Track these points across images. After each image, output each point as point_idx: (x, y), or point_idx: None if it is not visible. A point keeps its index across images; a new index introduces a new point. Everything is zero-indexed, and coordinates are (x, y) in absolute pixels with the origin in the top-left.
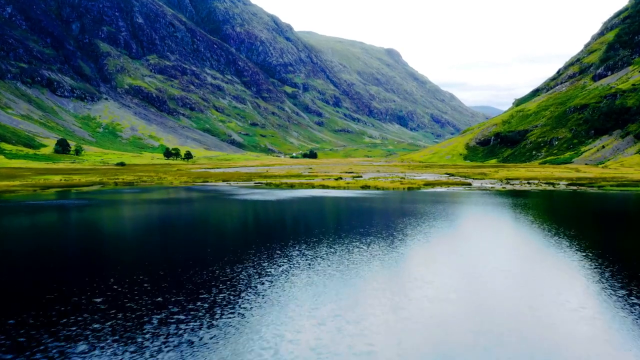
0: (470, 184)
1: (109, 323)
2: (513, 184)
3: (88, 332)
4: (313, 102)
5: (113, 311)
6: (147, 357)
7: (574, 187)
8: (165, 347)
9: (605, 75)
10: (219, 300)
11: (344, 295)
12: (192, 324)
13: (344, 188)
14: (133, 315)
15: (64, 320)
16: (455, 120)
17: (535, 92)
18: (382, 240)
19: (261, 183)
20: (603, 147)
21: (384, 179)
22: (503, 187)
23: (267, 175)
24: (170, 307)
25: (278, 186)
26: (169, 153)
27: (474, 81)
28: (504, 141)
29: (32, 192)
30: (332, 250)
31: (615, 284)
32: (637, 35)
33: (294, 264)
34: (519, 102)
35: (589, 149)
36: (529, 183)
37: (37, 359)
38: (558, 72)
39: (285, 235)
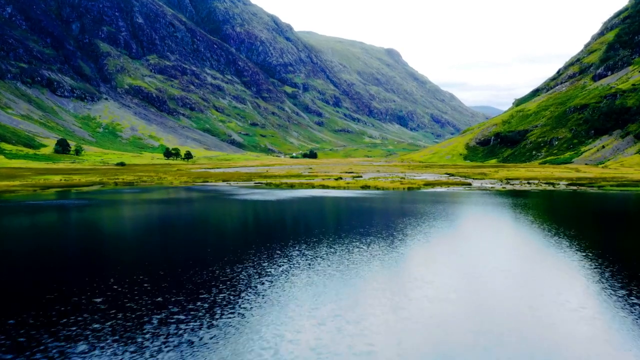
0: (470, 184)
1: (109, 323)
2: (513, 184)
3: (88, 332)
4: (313, 102)
5: (113, 311)
6: (147, 357)
7: (574, 187)
8: (165, 347)
9: (605, 75)
10: (219, 300)
11: (344, 295)
12: (192, 323)
13: (344, 188)
14: (133, 315)
15: (64, 320)
16: (455, 120)
17: (535, 92)
18: (382, 240)
19: (261, 183)
20: (603, 147)
21: (384, 179)
22: (503, 187)
23: (267, 175)
24: (170, 307)
25: (278, 186)
26: (169, 153)
27: (474, 81)
28: (504, 141)
29: (32, 192)
30: (332, 250)
31: (615, 284)
32: (637, 35)
33: (294, 264)
34: (519, 102)
35: (589, 149)
36: (529, 183)
37: (37, 359)
38: (558, 72)
39: (285, 235)
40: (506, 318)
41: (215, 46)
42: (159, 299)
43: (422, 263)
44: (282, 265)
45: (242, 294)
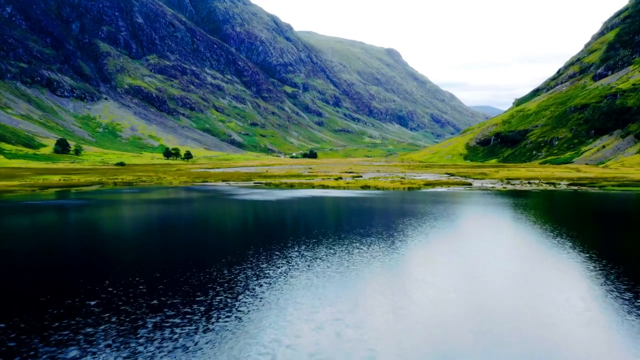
0: (470, 184)
1: (102, 327)
2: (514, 184)
3: (80, 337)
4: (313, 102)
5: (107, 314)
6: None
7: (575, 187)
8: (159, 352)
9: (606, 75)
10: (216, 303)
11: (343, 297)
12: (187, 328)
13: (344, 188)
14: (127, 319)
15: (56, 323)
16: (455, 120)
17: (536, 92)
18: (383, 241)
19: (261, 183)
20: (603, 147)
21: (384, 178)
22: (504, 187)
23: (267, 175)
24: (165, 310)
25: (278, 186)
26: (168, 153)
27: (474, 81)
28: (504, 141)
29: (30, 192)
30: (332, 251)
31: (616, 284)
32: (637, 34)
33: (293, 266)
34: (519, 102)
35: (590, 149)
36: (529, 183)
37: None
38: (558, 71)
39: (284, 236)
40: (506, 318)
41: (215, 46)
42: (155, 301)
43: (422, 264)
44: (281, 266)
45: (240, 297)
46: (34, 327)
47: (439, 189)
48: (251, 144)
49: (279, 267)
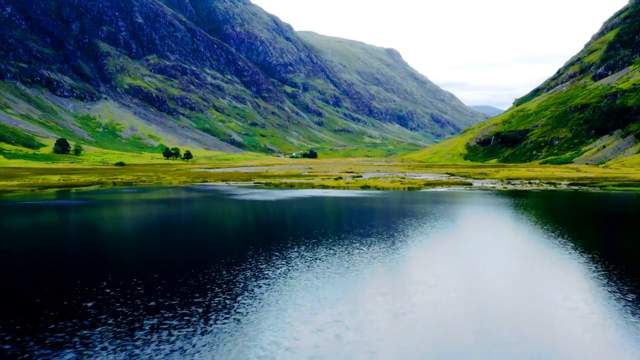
0: (471, 184)
1: (98, 329)
2: (514, 184)
3: (76, 339)
4: (313, 102)
5: (104, 316)
6: None
7: (576, 187)
8: (157, 355)
9: (606, 75)
10: (214, 304)
11: (343, 299)
12: (185, 330)
13: (344, 188)
14: (124, 321)
15: (52, 325)
16: (455, 120)
17: (536, 92)
18: (383, 241)
19: (260, 183)
20: (604, 146)
21: (384, 178)
22: (504, 187)
23: (267, 175)
24: (163, 311)
25: (277, 186)
26: (168, 153)
27: (474, 81)
28: (504, 141)
29: (29, 192)
30: (332, 251)
31: (616, 284)
32: (637, 34)
33: (292, 266)
34: (519, 101)
35: (590, 149)
36: (530, 183)
37: None
38: (558, 71)
39: (283, 237)
40: (506, 318)
41: (215, 46)
42: (152, 303)
43: (423, 264)
44: (280, 267)
45: (239, 298)
46: (30, 329)
47: (439, 189)
48: (251, 144)
49: (278, 268)
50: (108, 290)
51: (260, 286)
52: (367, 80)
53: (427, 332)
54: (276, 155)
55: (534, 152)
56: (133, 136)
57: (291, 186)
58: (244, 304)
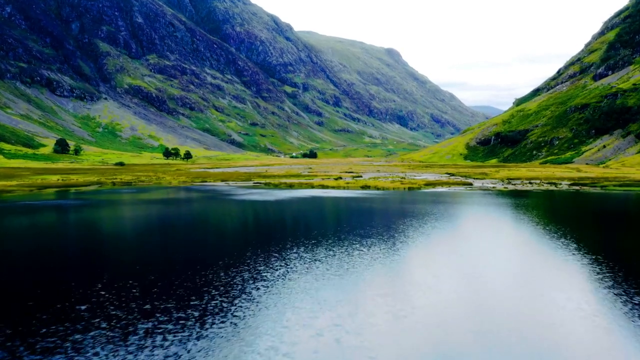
0: (471, 184)
1: (91, 333)
2: (514, 184)
3: (68, 344)
4: (313, 102)
5: (97, 320)
6: None
7: (577, 187)
8: None
9: (606, 75)
10: (211, 307)
11: (343, 301)
12: (180, 334)
13: (344, 188)
14: (118, 325)
15: (44, 330)
16: (455, 120)
17: (536, 92)
18: (383, 242)
19: (260, 183)
20: (604, 146)
21: (384, 178)
22: (505, 187)
23: (266, 175)
24: (158, 315)
25: (277, 186)
26: (168, 153)
27: (474, 81)
28: (504, 141)
29: (28, 192)
30: (331, 252)
31: (617, 284)
32: (637, 34)
33: (291, 268)
34: (519, 101)
35: (590, 149)
36: (530, 183)
37: None
38: (558, 71)
39: (283, 237)
40: (506, 318)
41: (215, 46)
42: (147, 306)
43: (423, 264)
44: (279, 269)
45: (236, 301)
46: (21, 332)
47: (439, 189)
48: (251, 144)
49: (277, 270)
50: (103, 293)
51: (259, 288)
52: (367, 80)
53: (428, 334)
54: (276, 155)
55: (534, 152)
56: (133, 136)
57: (291, 186)
58: (241, 307)
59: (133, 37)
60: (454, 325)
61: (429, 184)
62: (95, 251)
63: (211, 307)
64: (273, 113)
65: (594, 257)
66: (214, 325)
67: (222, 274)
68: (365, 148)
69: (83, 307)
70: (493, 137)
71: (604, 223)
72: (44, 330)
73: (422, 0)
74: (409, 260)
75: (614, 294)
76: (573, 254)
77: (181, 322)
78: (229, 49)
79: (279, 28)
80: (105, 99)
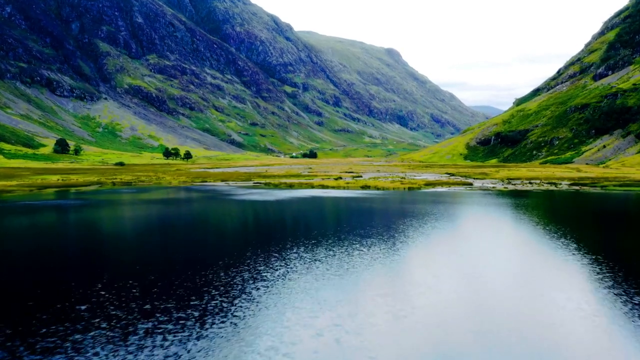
0: (471, 184)
1: (91, 334)
2: (515, 184)
3: (68, 344)
4: (313, 102)
5: (97, 320)
6: None
7: (577, 187)
8: None
9: (606, 75)
10: (211, 307)
11: (343, 301)
12: (180, 334)
13: (344, 188)
14: (118, 325)
15: (44, 330)
16: (455, 120)
17: (536, 92)
18: (383, 242)
19: (260, 183)
20: (604, 146)
21: (384, 178)
22: (505, 187)
23: (266, 175)
24: (158, 315)
25: (277, 186)
26: (168, 153)
27: (474, 81)
28: (504, 141)
29: (28, 192)
30: (331, 253)
31: (617, 284)
32: (637, 34)
33: (291, 268)
34: (519, 101)
35: (590, 149)
36: (530, 183)
37: None
38: (558, 71)
39: (283, 237)
40: (506, 318)
41: (215, 46)
42: (147, 306)
43: (423, 264)
44: (279, 269)
45: (236, 301)
46: (21, 332)
47: (439, 189)
48: (251, 144)
49: (277, 270)
50: (103, 293)
51: (259, 288)
52: (367, 80)
53: (428, 334)
54: (276, 155)
55: (534, 152)
56: (133, 136)
57: (291, 186)
58: (241, 307)
59: (133, 37)
60: (454, 325)
61: (429, 184)
62: (95, 251)
63: (211, 307)
64: (273, 113)
65: (594, 257)
66: (214, 325)
67: (222, 274)
68: (365, 148)
69: (83, 307)
70: (493, 137)
71: (604, 223)
72: (44, 330)
73: (422, 0)
74: (409, 260)
75: (614, 294)
76: (573, 254)
77: (181, 322)
78: (229, 49)
79: (279, 28)
80: (105, 99)
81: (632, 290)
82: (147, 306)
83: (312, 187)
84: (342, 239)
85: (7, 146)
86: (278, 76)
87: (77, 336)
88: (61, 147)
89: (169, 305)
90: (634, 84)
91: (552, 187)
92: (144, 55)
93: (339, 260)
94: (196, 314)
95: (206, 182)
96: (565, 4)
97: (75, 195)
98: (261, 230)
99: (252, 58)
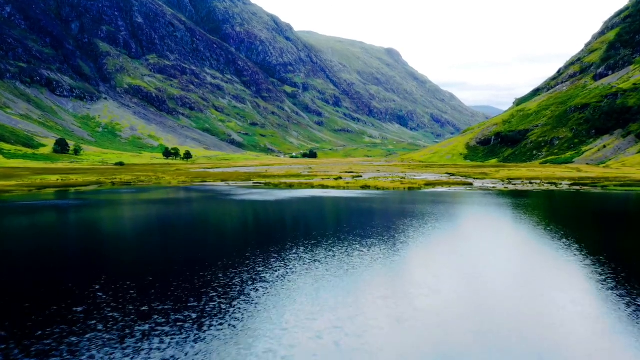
0: (471, 184)
1: (87, 336)
2: (515, 184)
3: (63, 347)
4: (313, 102)
5: (93, 322)
6: None
7: (577, 187)
8: None
9: (606, 75)
10: (209, 309)
11: (343, 303)
12: (177, 337)
13: (344, 188)
14: (114, 327)
15: (39, 332)
16: (455, 120)
17: (536, 92)
18: (383, 242)
19: (260, 183)
20: (604, 146)
21: (384, 178)
22: (505, 187)
23: (266, 175)
24: (155, 317)
25: (277, 186)
26: (168, 153)
27: (474, 81)
28: (504, 141)
29: (27, 192)
30: (331, 253)
31: (617, 285)
32: (638, 34)
33: (290, 269)
34: (519, 101)
35: (590, 149)
36: (531, 183)
37: None
38: (559, 71)
39: (282, 238)
40: (506, 318)
41: (215, 46)
42: (145, 307)
43: (423, 265)
44: (278, 270)
45: (234, 303)
46: (16, 335)
47: (439, 189)
48: (251, 144)
49: (276, 271)
50: (100, 294)
51: (257, 290)
52: (367, 80)
53: (428, 334)
54: (276, 155)
55: (535, 152)
56: (133, 136)
57: (291, 186)
58: (239, 308)
59: (133, 37)
60: (454, 325)
61: (429, 184)
62: (93, 251)
63: (209, 309)
64: (273, 113)
65: (594, 257)
66: (212, 328)
67: (220, 275)
68: (365, 148)
69: (80, 309)
70: (493, 137)
71: (604, 223)
72: (40, 332)
73: (422, 0)
74: (410, 260)
75: (615, 294)
76: (573, 254)
77: (179, 323)
78: (229, 49)
79: (279, 28)
80: (105, 99)
81: (633, 291)
82: (145, 308)
83: (312, 187)
84: (342, 239)
85: (6, 146)
86: (278, 76)
87: (73, 339)
88: (61, 147)
89: (167, 307)
90: (634, 84)
91: (553, 187)
92: (143, 55)
93: (339, 261)
94: (194, 315)
95: (206, 182)
96: (565, 4)
97: (75, 195)
98: (261, 230)
99: (252, 58)
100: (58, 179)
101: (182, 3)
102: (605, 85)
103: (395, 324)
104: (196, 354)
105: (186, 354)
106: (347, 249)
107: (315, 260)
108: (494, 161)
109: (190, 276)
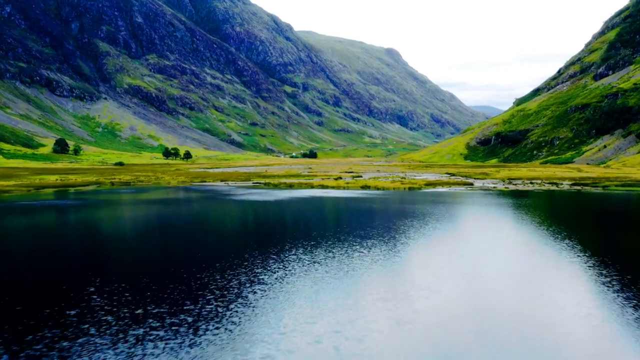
0: (472, 184)
1: (79, 341)
2: (515, 184)
3: (54, 352)
4: (313, 102)
5: (86, 326)
6: None
7: (578, 187)
8: None
9: (607, 75)
10: (205, 313)
11: (343, 306)
12: (172, 341)
13: (344, 188)
14: (108, 331)
15: (30, 337)
16: (455, 120)
17: (536, 92)
18: (384, 243)
19: (260, 183)
20: (605, 146)
21: (384, 178)
22: (505, 187)
23: (266, 175)
24: (150, 321)
25: (277, 186)
26: (168, 153)
27: (474, 81)
28: (504, 141)
29: (26, 192)
30: (331, 254)
31: (617, 285)
32: (638, 34)
33: (289, 271)
34: (519, 101)
35: (591, 149)
36: (531, 183)
37: None
38: (559, 71)
39: (281, 238)
40: (506, 318)
41: (215, 46)
42: (139, 311)
43: (424, 265)
44: (277, 271)
45: (231, 306)
46: (6, 339)
47: (439, 189)
48: (251, 144)
49: (274, 272)
50: (95, 297)
51: (255, 292)
52: (367, 80)
53: (428, 334)
54: (276, 155)
55: (535, 152)
56: (132, 136)
57: (290, 186)
58: (237, 312)
59: (133, 37)
60: (454, 325)
61: (429, 184)
62: (92, 252)
63: (205, 312)
64: (273, 113)
65: (594, 257)
66: (208, 332)
67: (218, 277)
68: (365, 148)
69: (72, 312)
70: (493, 137)
71: (605, 223)
72: (30, 337)
73: (422, 0)
74: (410, 261)
75: (615, 294)
76: (574, 254)
77: (174, 328)
78: (228, 49)
79: (279, 28)
80: (105, 98)
81: (633, 291)
82: (140, 311)
83: (312, 187)
84: (342, 240)
85: (6, 146)
86: (278, 76)
87: (65, 343)
88: (60, 147)
89: (162, 310)
90: (634, 84)
91: (553, 187)
92: (143, 55)
93: (339, 262)
94: (190, 319)
95: (205, 182)
96: (565, 4)
97: (74, 195)
98: (260, 230)
99: (252, 58)
100: (57, 179)
101: (182, 3)
102: (605, 85)
103: (395, 326)
104: None
105: None
106: (347, 250)
107: (314, 262)
108: (494, 161)
109: (187, 278)
